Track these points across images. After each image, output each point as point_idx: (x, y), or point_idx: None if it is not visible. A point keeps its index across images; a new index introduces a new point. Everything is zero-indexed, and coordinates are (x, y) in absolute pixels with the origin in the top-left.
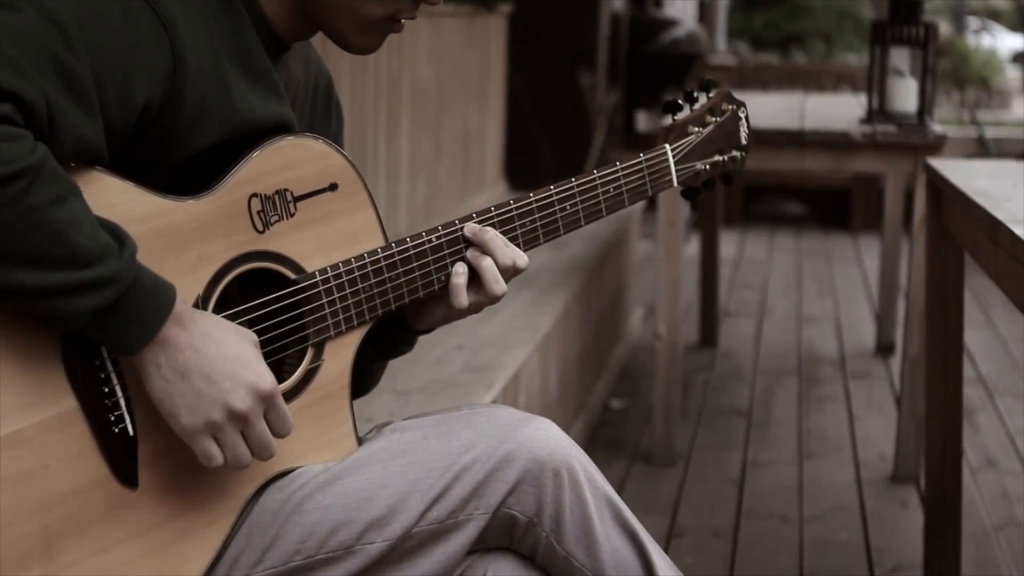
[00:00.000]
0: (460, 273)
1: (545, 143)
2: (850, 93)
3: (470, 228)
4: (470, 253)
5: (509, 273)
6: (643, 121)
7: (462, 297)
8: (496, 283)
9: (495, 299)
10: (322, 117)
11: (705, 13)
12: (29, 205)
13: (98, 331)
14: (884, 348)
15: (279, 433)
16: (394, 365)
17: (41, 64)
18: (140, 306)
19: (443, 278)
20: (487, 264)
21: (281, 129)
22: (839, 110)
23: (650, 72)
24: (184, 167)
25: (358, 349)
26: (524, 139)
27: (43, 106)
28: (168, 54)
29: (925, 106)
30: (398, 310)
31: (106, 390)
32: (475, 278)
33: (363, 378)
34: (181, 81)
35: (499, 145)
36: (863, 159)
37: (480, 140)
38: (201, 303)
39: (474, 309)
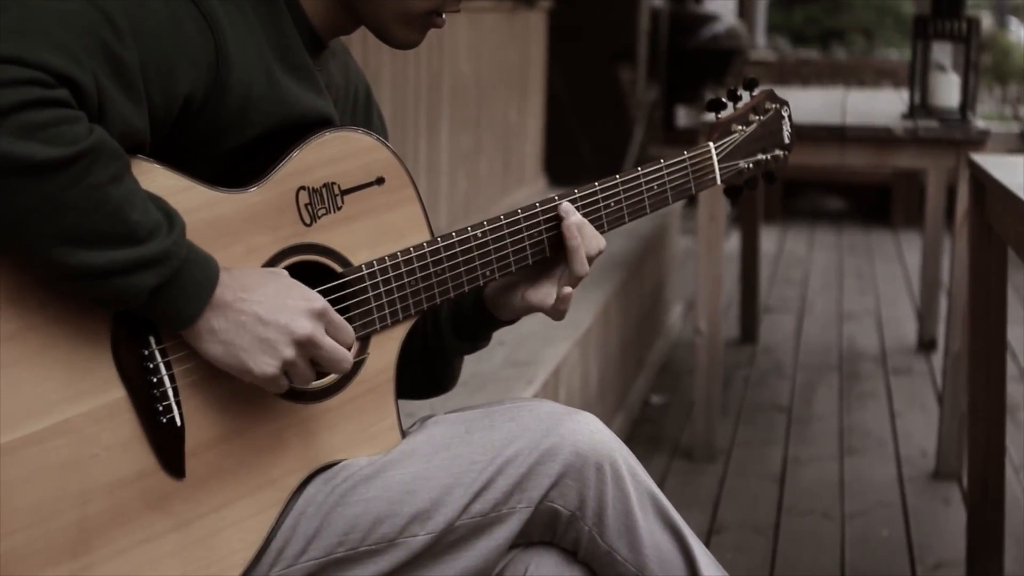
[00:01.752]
0: (567, 295)
1: (584, 139)
2: (891, 88)
3: (565, 208)
4: (570, 228)
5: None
6: (683, 117)
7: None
8: (582, 265)
9: (578, 279)
10: (363, 123)
11: (745, 8)
12: (90, 184)
13: (153, 308)
14: (926, 344)
15: (344, 342)
16: None
17: (91, 49)
18: (195, 277)
19: (488, 273)
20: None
21: (325, 122)
22: (880, 105)
23: (690, 68)
24: (232, 158)
25: (439, 346)
26: (564, 135)
27: (95, 90)
28: (210, 46)
29: (967, 101)
30: (479, 301)
31: (154, 380)
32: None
33: (444, 375)
34: (224, 73)
35: (539, 141)
36: (905, 155)
37: (520, 136)
38: None
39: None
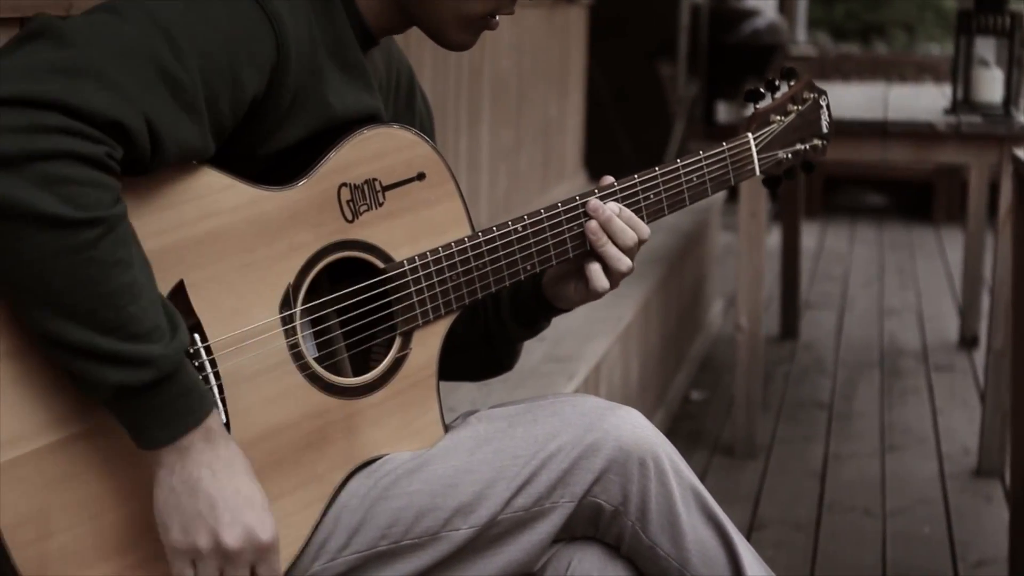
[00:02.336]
0: (601, 280)
1: (625, 134)
2: (932, 84)
3: (593, 204)
4: (591, 233)
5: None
6: (723, 112)
7: (602, 281)
8: (619, 261)
9: (621, 274)
10: (405, 110)
11: (785, 3)
12: (93, 258)
13: (121, 412)
14: (968, 341)
15: None
16: None
17: (146, 81)
18: (171, 404)
19: (529, 267)
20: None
21: (371, 120)
22: (922, 101)
23: (730, 63)
24: (276, 158)
25: (500, 331)
26: (604, 130)
27: (144, 128)
28: (273, 47)
29: (1011, 96)
30: (537, 289)
31: (200, 378)
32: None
33: (506, 356)
34: (283, 73)
35: (579, 136)
36: (947, 150)
37: (560, 131)
38: (292, 292)
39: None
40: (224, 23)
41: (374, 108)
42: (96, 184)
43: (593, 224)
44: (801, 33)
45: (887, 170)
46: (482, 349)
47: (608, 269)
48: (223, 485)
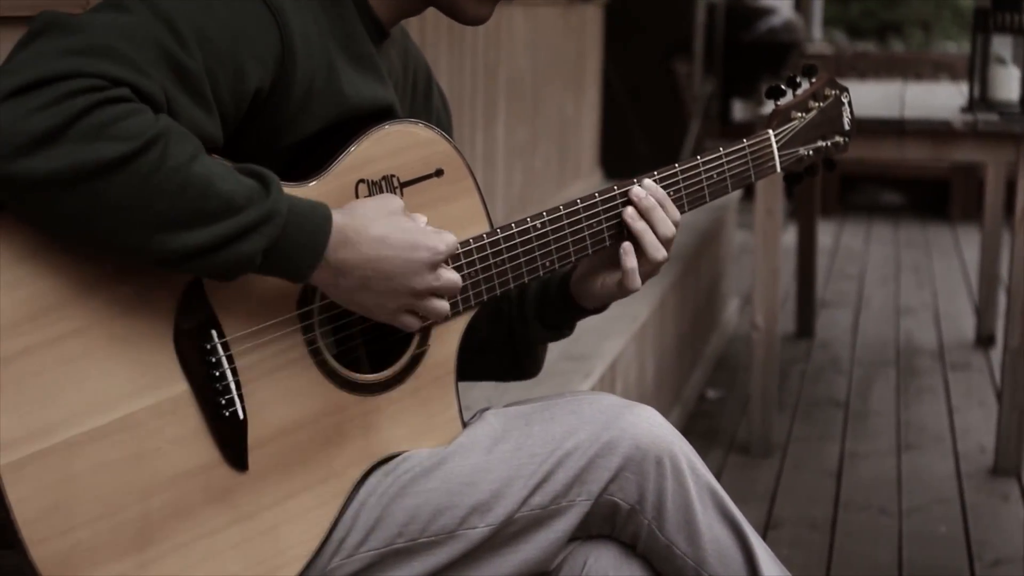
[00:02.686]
0: (629, 255)
1: (640, 132)
2: (949, 82)
3: (637, 192)
4: (629, 218)
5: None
6: (739, 110)
7: (637, 282)
8: (656, 250)
9: (657, 264)
10: (422, 108)
11: (801, 1)
12: (172, 167)
13: (269, 269)
14: (984, 340)
15: (451, 290)
16: None
17: (155, 61)
18: (301, 234)
19: (548, 264)
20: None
21: (386, 113)
22: (939, 99)
23: (746, 61)
24: (292, 152)
25: (524, 333)
26: (620, 128)
27: (163, 97)
28: (276, 41)
29: None
30: (564, 289)
31: (217, 373)
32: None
33: (529, 361)
34: (290, 66)
35: (595, 134)
36: (964, 148)
37: (576, 129)
38: (310, 290)
39: (639, 286)
40: (225, 15)
41: (388, 100)
42: (133, 113)
43: (631, 211)
44: (817, 31)
45: (903, 168)
46: (504, 351)
47: (644, 257)
48: (383, 257)
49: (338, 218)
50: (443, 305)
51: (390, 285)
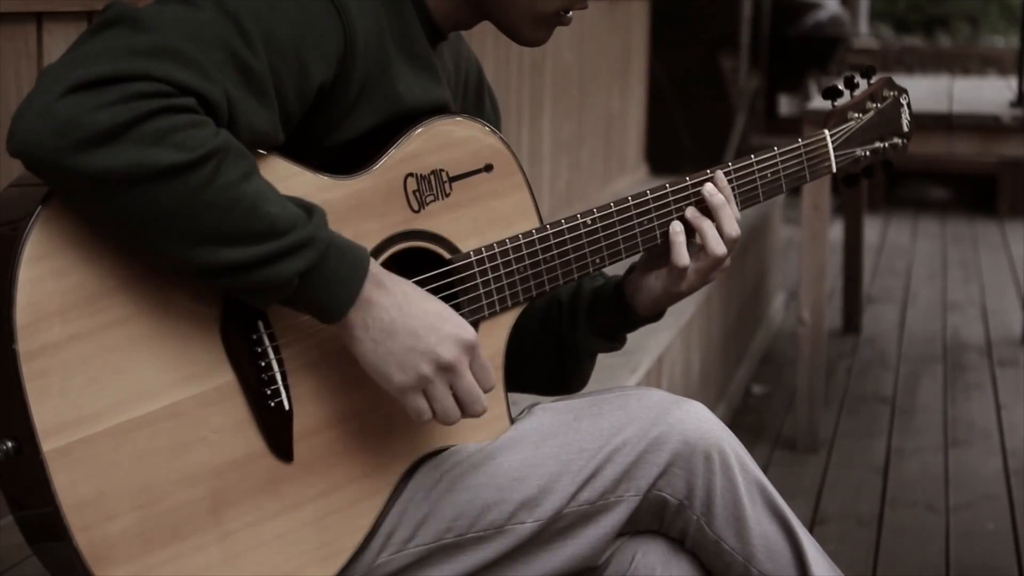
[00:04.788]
0: (678, 232)
1: (686, 127)
2: (997, 77)
3: (708, 190)
4: (690, 213)
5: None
6: (785, 105)
7: (683, 255)
8: (717, 244)
9: (717, 261)
10: (473, 109)
11: None
12: (224, 184)
13: (304, 297)
14: None
15: (484, 385)
16: None
17: (221, 62)
18: (341, 266)
19: (598, 261)
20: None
21: (439, 111)
22: (987, 93)
23: (793, 55)
24: (343, 148)
25: (573, 342)
26: (665, 123)
27: (225, 104)
28: (340, 37)
29: None
30: (618, 291)
31: (263, 364)
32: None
33: (575, 373)
34: (350, 64)
35: (640, 129)
36: (1013, 143)
37: (622, 124)
38: None
39: (694, 282)
40: (291, 12)
41: (443, 99)
42: (195, 124)
43: (692, 210)
44: (863, 25)
45: (950, 163)
46: (551, 362)
47: (704, 252)
48: (414, 314)
49: (375, 266)
50: (455, 409)
51: (416, 344)
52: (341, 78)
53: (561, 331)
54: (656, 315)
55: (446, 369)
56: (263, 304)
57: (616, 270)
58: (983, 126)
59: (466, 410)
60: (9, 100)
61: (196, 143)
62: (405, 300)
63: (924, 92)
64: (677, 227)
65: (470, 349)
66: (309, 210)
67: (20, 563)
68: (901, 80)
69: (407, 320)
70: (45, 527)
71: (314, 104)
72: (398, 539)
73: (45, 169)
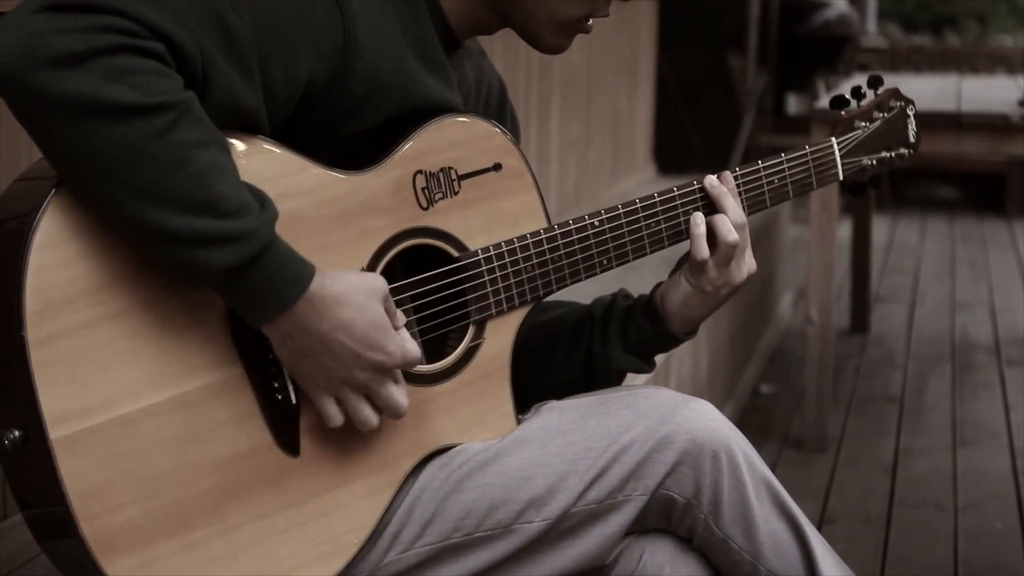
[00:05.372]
0: (698, 223)
1: (694, 126)
2: (1005, 75)
3: (710, 181)
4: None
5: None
6: (793, 104)
7: (703, 248)
8: (729, 232)
9: (730, 248)
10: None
11: None
12: (174, 141)
13: (230, 292)
14: None
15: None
16: None
17: (203, 19)
18: (275, 274)
19: (605, 262)
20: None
21: (449, 112)
22: (996, 92)
23: (801, 54)
24: (354, 144)
25: (604, 359)
26: (673, 123)
27: (198, 56)
28: (338, 31)
29: None
30: (649, 302)
31: (270, 357)
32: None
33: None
34: (351, 56)
35: (649, 129)
36: (1022, 142)
37: (630, 124)
38: None
39: (716, 279)
40: None
41: (454, 103)
42: (160, 73)
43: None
44: (872, 24)
45: (958, 162)
46: (579, 374)
47: (718, 238)
48: (335, 339)
49: (315, 285)
50: (372, 417)
51: (331, 367)
52: (342, 71)
53: (592, 347)
54: (689, 330)
55: (359, 387)
56: (193, 285)
57: (623, 273)
58: (991, 125)
59: (390, 415)
60: None
61: (157, 90)
62: (331, 326)
63: (933, 91)
64: (698, 218)
65: (396, 367)
66: (263, 203)
67: (28, 562)
68: (909, 79)
69: (329, 346)
70: (52, 521)
71: (313, 97)
72: (405, 538)
73: (3, 81)
